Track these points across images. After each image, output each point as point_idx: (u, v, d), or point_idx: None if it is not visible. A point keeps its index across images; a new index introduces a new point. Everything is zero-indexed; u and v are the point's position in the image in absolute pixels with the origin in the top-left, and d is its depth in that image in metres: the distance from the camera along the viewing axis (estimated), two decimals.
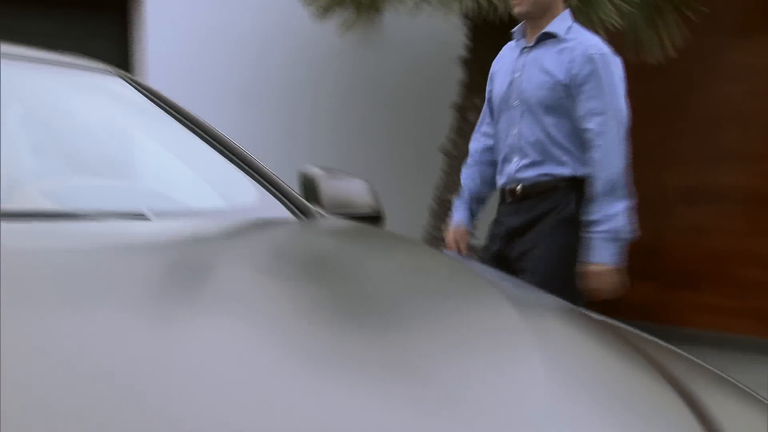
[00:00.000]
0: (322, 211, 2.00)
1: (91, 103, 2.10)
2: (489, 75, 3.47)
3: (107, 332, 0.98)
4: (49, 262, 1.26)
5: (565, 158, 3.18)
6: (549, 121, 3.19)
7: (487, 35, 5.70)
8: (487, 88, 3.44)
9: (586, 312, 1.51)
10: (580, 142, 3.18)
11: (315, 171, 2.13)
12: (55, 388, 0.83)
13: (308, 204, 1.99)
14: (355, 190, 2.14)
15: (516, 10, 3.25)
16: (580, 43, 3.17)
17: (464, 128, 5.77)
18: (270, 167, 2.08)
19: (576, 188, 3.19)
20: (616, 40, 4.88)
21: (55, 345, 0.92)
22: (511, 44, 3.38)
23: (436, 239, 5.65)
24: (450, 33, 6.31)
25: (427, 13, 5.89)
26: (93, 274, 1.23)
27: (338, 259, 1.56)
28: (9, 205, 1.59)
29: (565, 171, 3.19)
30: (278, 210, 1.92)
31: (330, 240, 1.79)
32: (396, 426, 0.87)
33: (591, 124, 3.12)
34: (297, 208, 1.95)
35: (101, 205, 1.70)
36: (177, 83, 6.18)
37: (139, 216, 1.65)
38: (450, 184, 5.73)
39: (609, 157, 3.11)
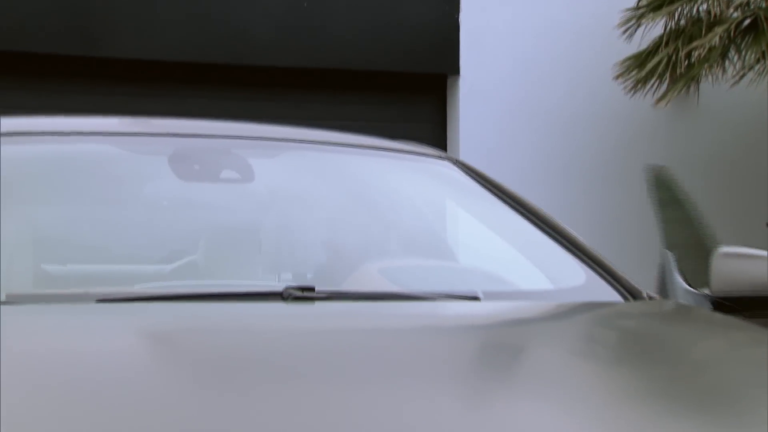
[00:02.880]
0: (651, 293, 1.96)
1: (422, 188, 2.22)
2: None
3: (429, 408, 1.10)
4: (386, 341, 1.41)
5: None
6: None
7: None
8: None
9: None
10: None
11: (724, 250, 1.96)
12: None
13: (636, 286, 1.95)
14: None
15: None
16: None
17: None
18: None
19: None
20: None
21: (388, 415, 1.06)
22: None
23: None
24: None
25: (751, 80, 5.63)
26: (427, 352, 1.34)
27: (659, 343, 1.53)
28: (351, 287, 1.74)
29: None
30: (606, 292, 1.90)
31: (653, 323, 1.76)
32: None
33: None
34: (625, 289, 1.92)
35: (435, 286, 1.81)
36: (488, 160, 6.32)
37: (472, 298, 1.73)
38: None
39: None
